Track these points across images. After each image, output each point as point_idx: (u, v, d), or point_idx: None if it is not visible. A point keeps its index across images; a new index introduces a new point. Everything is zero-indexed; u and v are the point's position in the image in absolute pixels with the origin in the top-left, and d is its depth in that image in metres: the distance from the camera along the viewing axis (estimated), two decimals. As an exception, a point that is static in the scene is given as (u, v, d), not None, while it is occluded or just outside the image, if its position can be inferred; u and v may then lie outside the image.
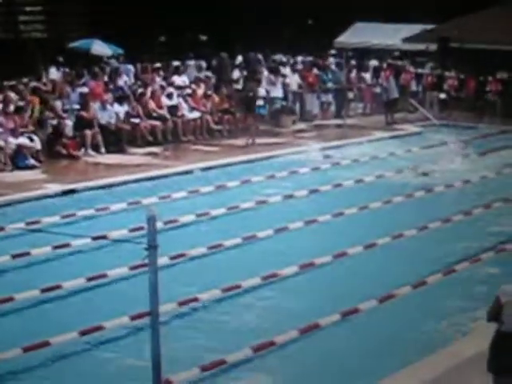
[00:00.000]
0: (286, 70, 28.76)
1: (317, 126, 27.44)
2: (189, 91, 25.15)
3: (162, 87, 24.79)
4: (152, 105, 23.77)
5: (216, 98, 25.52)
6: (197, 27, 34.72)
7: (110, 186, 18.27)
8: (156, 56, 28.73)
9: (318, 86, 28.93)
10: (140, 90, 24.43)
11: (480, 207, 16.94)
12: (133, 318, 10.54)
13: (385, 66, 30.62)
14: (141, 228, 12.24)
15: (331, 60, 31.13)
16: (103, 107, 22.44)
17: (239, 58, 30.25)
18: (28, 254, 13.31)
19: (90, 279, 12.19)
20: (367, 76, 31.03)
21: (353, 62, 31.01)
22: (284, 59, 30.29)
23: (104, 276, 12.34)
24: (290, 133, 26.07)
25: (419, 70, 31.90)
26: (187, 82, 26.14)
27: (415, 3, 32.48)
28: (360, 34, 35.08)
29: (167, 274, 9.42)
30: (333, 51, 32.73)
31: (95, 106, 22.33)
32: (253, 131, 23.91)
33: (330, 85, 29.30)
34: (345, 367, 9.78)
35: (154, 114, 23.68)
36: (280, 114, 27.06)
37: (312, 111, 28.81)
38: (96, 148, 21.65)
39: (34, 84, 23.21)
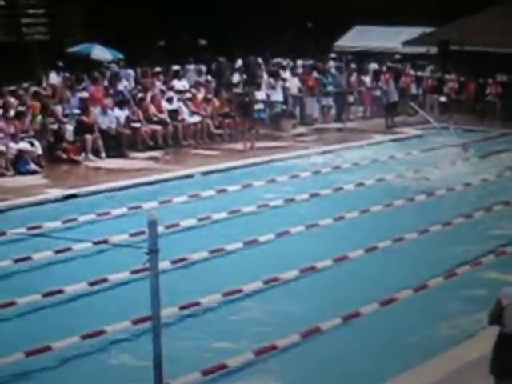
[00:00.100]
0: (286, 74, 28.77)
1: (317, 130, 27.46)
2: (189, 95, 25.17)
3: (162, 91, 24.81)
4: (152, 109, 23.79)
5: (216, 102, 25.53)
6: (196, 31, 34.74)
7: (111, 190, 18.28)
8: (155, 60, 28.73)
9: (318, 90, 28.94)
10: (140, 95, 24.43)
11: (481, 210, 16.94)
12: (134, 322, 10.55)
13: (385, 69, 30.62)
14: (142, 232, 12.25)
15: (331, 63, 31.11)
16: (103, 112, 22.46)
17: (239, 62, 30.27)
18: (29, 258, 13.33)
19: (91, 284, 12.21)
20: (367, 79, 31.04)
21: (353, 66, 31.01)
22: (284, 63, 30.30)
23: (105, 280, 12.37)
24: (291, 137, 26.07)
25: (419, 73, 31.92)
26: (187, 87, 26.16)
27: (415, 6, 32.47)
28: (360, 38, 35.06)
29: (168, 279, 9.43)
30: (333, 54, 32.74)
31: (95, 110, 22.35)
32: (251, 135, 23.92)
33: (330, 88, 29.30)
34: (346, 371, 9.78)
35: (155, 119, 23.70)
36: (280, 118, 27.06)
37: (312, 115, 28.83)
38: (96, 153, 21.66)
39: (34, 89, 23.22)
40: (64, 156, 21.15)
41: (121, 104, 23.29)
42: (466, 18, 30.99)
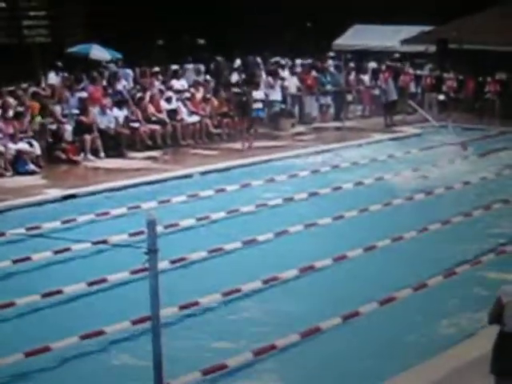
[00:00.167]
0: (285, 73, 28.77)
1: (316, 129, 27.46)
2: (188, 95, 25.17)
3: (161, 91, 24.80)
4: (151, 109, 23.78)
5: (215, 102, 25.53)
6: (196, 31, 34.72)
7: (110, 190, 18.28)
8: (155, 60, 28.72)
9: (316, 89, 28.94)
10: (139, 95, 24.43)
11: (480, 209, 16.93)
12: (134, 322, 10.55)
13: (384, 67, 30.61)
14: (141, 232, 12.25)
15: (330, 62, 31.10)
16: (102, 112, 22.45)
17: (237, 62, 30.26)
18: (29, 259, 13.32)
19: (90, 284, 12.20)
20: (366, 78, 31.03)
21: (351, 64, 31.00)
22: (283, 62, 30.29)
23: (105, 280, 12.36)
24: (289, 136, 26.07)
25: (418, 72, 31.89)
26: (186, 86, 26.15)
27: (414, 5, 32.45)
28: (359, 36, 35.06)
29: (167, 278, 9.42)
30: (331, 53, 32.72)
31: (94, 110, 22.34)
32: (250, 135, 23.91)
33: (328, 87, 29.31)
34: (346, 370, 9.78)
35: (153, 118, 23.69)
36: (279, 117, 27.06)
37: (311, 114, 28.82)
38: (95, 153, 21.66)
39: (33, 89, 23.22)
40: (63, 156, 21.15)
41: (119, 104, 23.29)
42: (465, 17, 30.99)
